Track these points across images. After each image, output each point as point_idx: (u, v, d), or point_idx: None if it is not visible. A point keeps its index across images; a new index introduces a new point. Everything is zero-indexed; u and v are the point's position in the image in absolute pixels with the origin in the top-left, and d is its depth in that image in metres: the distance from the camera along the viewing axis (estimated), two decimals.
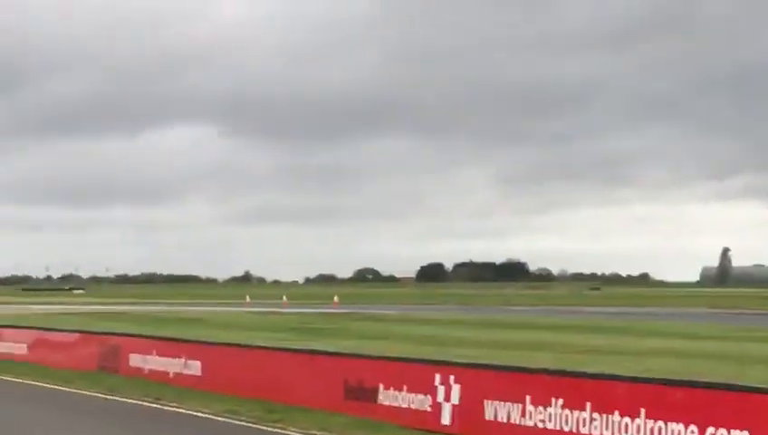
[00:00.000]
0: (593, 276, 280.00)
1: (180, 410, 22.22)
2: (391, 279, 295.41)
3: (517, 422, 16.56)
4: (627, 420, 14.94)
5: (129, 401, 23.38)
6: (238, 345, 26.27)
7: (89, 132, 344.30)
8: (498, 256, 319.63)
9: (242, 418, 20.71)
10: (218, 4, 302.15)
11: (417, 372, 18.84)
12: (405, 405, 18.54)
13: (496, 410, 16.91)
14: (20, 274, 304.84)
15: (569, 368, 19.76)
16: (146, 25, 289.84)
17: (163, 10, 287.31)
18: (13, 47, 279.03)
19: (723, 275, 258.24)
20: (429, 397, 18.02)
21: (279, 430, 19.32)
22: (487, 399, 17.01)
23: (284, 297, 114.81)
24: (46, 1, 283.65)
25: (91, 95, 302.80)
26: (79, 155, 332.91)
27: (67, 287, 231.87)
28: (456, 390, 17.61)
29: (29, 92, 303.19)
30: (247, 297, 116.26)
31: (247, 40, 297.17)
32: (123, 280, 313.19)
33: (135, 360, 27.24)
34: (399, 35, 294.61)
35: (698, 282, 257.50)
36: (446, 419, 17.79)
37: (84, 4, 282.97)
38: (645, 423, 14.68)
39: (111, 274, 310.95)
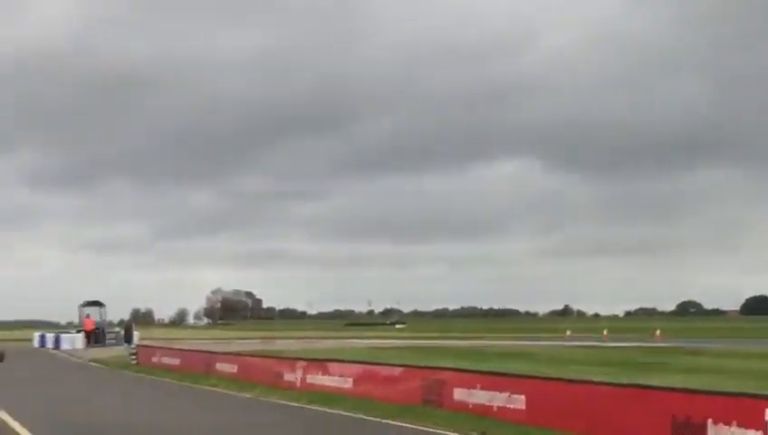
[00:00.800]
0: None
1: None
2: (715, 312, 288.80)
3: None
4: None
5: None
6: (562, 379, 26.14)
7: (410, 168, 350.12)
8: None
9: None
10: (541, 35, 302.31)
11: (746, 406, 18.26)
12: None
13: None
14: (343, 308, 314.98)
15: None
16: (468, 58, 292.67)
17: (485, 42, 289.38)
18: (333, 88, 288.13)
19: None
20: (760, 432, 17.49)
21: None
22: None
23: (605, 331, 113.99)
24: (365, 40, 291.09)
25: (412, 130, 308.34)
26: (400, 190, 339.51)
27: (389, 322, 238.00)
28: None
29: (350, 131, 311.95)
30: (568, 331, 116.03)
31: (570, 70, 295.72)
32: (443, 314, 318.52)
33: (459, 394, 27.44)
34: (725, 62, 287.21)
35: None
36: None
37: (404, 39, 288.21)
38: None
39: (432, 308, 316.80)
